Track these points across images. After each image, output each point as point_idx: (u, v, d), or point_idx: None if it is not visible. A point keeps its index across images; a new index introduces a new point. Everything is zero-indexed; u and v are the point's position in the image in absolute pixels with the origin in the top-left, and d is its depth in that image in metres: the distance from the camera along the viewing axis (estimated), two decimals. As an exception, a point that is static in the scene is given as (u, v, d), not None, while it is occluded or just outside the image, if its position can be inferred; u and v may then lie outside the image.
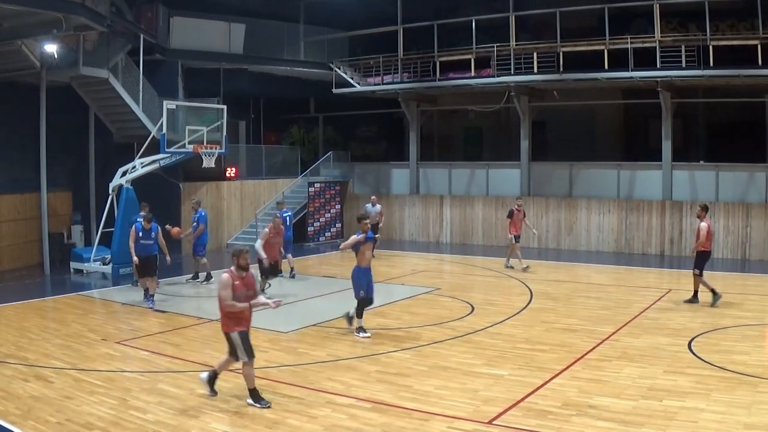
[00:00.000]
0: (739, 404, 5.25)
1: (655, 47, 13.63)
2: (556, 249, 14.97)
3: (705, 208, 9.07)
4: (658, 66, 13.61)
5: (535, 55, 14.63)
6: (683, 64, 13.39)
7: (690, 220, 13.66)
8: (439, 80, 15.73)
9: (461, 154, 18.75)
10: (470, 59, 15.19)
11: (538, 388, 5.68)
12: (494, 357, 6.61)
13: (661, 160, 14.56)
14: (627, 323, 8.05)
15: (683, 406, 5.20)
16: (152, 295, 8.86)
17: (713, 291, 8.62)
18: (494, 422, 4.90)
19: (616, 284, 10.78)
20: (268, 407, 5.19)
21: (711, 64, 13.11)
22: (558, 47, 14.35)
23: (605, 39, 14.19)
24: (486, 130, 19.03)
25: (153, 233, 9.03)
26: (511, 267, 11.96)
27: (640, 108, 15.93)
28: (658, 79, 13.73)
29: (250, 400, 5.21)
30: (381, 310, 8.80)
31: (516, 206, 12.25)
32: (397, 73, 16.41)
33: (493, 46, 15.07)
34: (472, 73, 15.16)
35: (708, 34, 13.42)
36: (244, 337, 5.18)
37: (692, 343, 7.12)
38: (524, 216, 12.39)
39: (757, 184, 13.89)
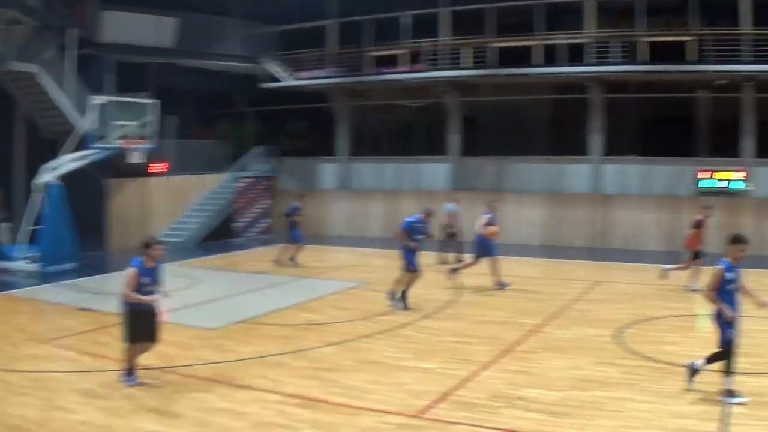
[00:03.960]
0: (668, 394, 6.78)
1: (587, 43, 17.68)
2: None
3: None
4: (589, 61, 17.66)
5: (466, 50, 18.58)
6: (614, 60, 17.40)
7: (618, 213, 17.88)
8: (368, 75, 19.55)
9: (392, 149, 22.30)
10: (402, 54, 19.15)
11: (467, 381, 7.08)
12: (422, 350, 8.23)
13: (590, 155, 18.71)
14: (555, 315, 10.26)
15: (612, 396, 6.69)
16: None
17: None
18: (423, 415, 6.15)
19: (544, 277, 13.58)
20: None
21: (643, 59, 17.16)
22: (490, 42, 18.18)
23: (537, 34, 18.14)
24: (417, 125, 22.78)
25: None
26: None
27: (570, 103, 19.86)
28: (589, 75, 17.79)
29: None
30: (308, 305, 10.86)
31: (704, 215, 13.74)
32: (331, 68, 20.24)
33: (425, 42, 18.95)
34: (403, 69, 19.14)
35: (641, 30, 17.37)
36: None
37: (621, 335, 9.15)
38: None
39: (686, 178, 18.13)
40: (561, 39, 18.25)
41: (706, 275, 12.02)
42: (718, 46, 16.96)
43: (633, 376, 7.46)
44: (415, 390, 6.82)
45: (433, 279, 12.77)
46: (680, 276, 12.40)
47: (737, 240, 6.72)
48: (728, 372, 6.66)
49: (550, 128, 21.32)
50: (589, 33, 18.25)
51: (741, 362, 7.72)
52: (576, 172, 19.20)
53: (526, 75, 18.63)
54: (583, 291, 12.23)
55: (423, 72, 19.48)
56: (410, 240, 10.68)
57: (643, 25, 18.03)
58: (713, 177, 18.02)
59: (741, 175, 17.73)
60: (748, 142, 17.83)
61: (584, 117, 19.06)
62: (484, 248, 12.28)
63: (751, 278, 11.99)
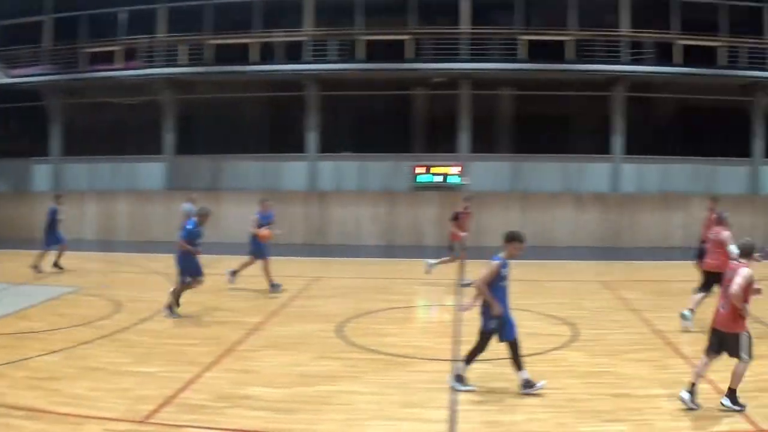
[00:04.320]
0: (392, 384, 7.18)
1: (305, 41, 18.33)
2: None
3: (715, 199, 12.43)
4: (307, 60, 18.29)
5: (183, 47, 18.86)
6: (332, 58, 18.12)
7: (335, 209, 18.51)
8: (83, 72, 19.55)
9: (106, 149, 21.83)
10: (117, 51, 19.33)
11: (190, 383, 7.14)
12: (143, 354, 8.23)
13: (307, 152, 19.25)
14: (275, 312, 10.49)
15: (338, 390, 6.96)
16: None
17: None
18: (149, 420, 6.15)
19: (262, 275, 13.54)
20: None
21: (360, 58, 18.18)
22: (207, 40, 18.42)
23: (255, 32, 18.50)
24: (133, 123, 22.08)
25: None
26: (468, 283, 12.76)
27: (287, 101, 20.43)
28: (306, 73, 18.41)
29: None
30: (25, 312, 10.62)
31: (463, 207, 13.39)
32: (46, 65, 19.94)
33: (141, 38, 19.19)
34: (119, 66, 19.40)
35: (359, 29, 18.35)
36: None
37: (342, 329, 9.49)
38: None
39: (401, 173, 19.46)
40: (279, 37, 18.75)
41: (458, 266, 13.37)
42: (436, 45, 18.51)
43: (357, 369, 7.75)
44: (140, 395, 6.82)
45: (151, 281, 12.94)
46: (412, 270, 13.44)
47: (516, 238, 6.98)
48: (469, 360, 7.08)
49: (268, 126, 21.73)
50: (307, 31, 18.80)
51: (464, 350, 8.08)
52: (293, 170, 19.58)
53: (243, 73, 19.19)
54: (302, 287, 12.73)
55: (139, 69, 19.68)
56: (194, 246, 10.51)
57: (362, 24, 19.03)
58: (430, 172, 19.36)
59: (457, 169, 19.36)
60: (464, 138, 19.58)
61: (302, 115, 19.60)
62: (256, 249, 12.41)
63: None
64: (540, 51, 19.00)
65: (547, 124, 20.85)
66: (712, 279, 9.72)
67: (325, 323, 9.90)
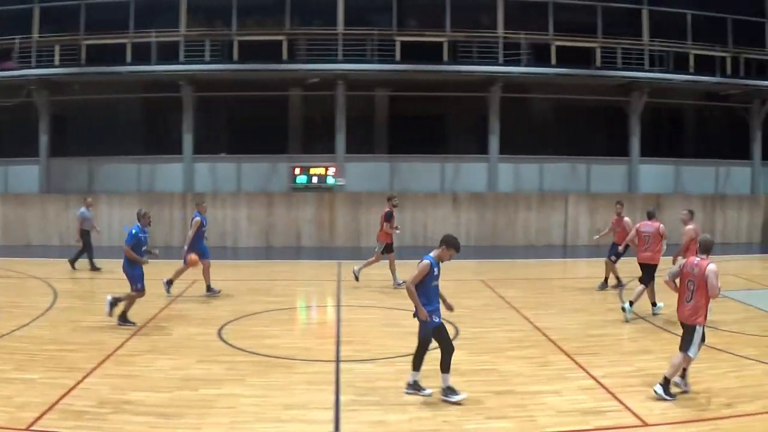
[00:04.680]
0: (276, 386, 8.53)
1: (180, 41, 21.25)
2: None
3: (621, 204, 15.68)
4: (182, 60, 21.26)
5: (57, 47, 21.26)
6: (207, 59, 21.18)
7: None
8: None
9: None
10: None
11: (72, 389, 8.21)
12: (23, 361, 9.36)
13: (183, 153, 22.24)
14: (155, 316, 12.24)
15: (220, 393, 8.23)
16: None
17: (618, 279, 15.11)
18: (32, 428, 7.06)
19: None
20: None
21: (236, 58, 21.28)
22: (81, 40, 20.88)
23: (130, 32, 21.30)
24: (6, 125, 24.49)
25: None
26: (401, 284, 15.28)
27: (163, 102, 23.46)
28: (181, 73, 21.39)
29: None
30: None
31: (392, 204, 16.02)
32: None
33: (15, 38, 21.35)
34: None
35: (234, 30, 21.46)
36: None
37: (222, 331, 11.22)
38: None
39: (278, 174, 22.81)
40: (154, 37, 21.78)
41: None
42: (311, 46, 21.92)
43: (240, 372, 9.33)
44: (22, 402, 7.87)
45: (28, 285, 14.61)
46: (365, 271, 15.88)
47: (453, 245, 8.54)
48: (417, 365, 8.45)
49: (144, 127, 24.94)
50: (182, 32, 21.86)
51: (346, 350, 10.44)
52: (169, 172, 22.86)
53: (118, 73, 22.12)
54: (181, 290, 14.97)
55: (13, 70, 21.92)
56: (139, 253, 12.06)
57: (238, 24, 22.39)
58: (307, 173, 23.06)
59: (332, 170, 23.01)
60: (340, 139, 23.12)
61: (178, 116, 22.83)
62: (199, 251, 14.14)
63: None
64: (416, 52, 22.80)
65: (424, 124, 24.71)
66: (651, 271, 13.26)
67: (206, 326, 11.78)
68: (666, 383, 8.54)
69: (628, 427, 8.30)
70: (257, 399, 8.38)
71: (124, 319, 12.04)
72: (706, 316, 8.71)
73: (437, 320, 8.53)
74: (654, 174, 26.23)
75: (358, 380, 9.24)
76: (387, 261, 15.88)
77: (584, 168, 25.71)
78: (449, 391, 8.43)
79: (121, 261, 12.30)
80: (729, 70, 25.87)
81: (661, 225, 13.28)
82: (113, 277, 15.94)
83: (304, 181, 23.09)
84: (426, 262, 8.52)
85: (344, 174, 23.20)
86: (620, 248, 15.74)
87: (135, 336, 11.18)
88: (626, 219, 15.92)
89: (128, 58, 21.71)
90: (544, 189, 25.07)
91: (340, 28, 22.84)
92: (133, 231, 12.40)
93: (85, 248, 17.82)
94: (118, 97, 23.45)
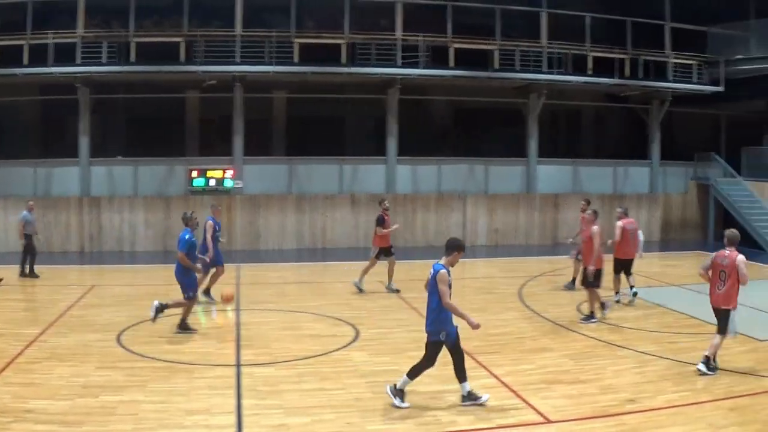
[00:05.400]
0: (177, 392, 9.94)
1: (78, 43, 25.09)
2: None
3: (588, 202, 19.28)
4: (78, 62, 25.09)
5: None
6: (104, 60, 25.17)
7: (109, 215, 25.95)
8: None
9: None
10: None
11: None
12: None
13: (79, 157, 26.11)
14: (53, 323, 14.07)
15: (122, 400, 9.53)
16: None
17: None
18: None
19: (41, 284, 18.91)
20: None
21: (133, 60, 25.26)
22: None
23: (27, 34, 24.95)
24: None
25: None
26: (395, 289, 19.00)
27: (59, 104, 27.22)
28: (78, 75, 25.21)
29: None
30: None
31: (384, 209, 19.44)
32: None
33: None
34: None
35: (132, 31, 25.62)
36: None
37: (121, 337, 13.12)
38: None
39: (176, 177, 27.31)
40: (50, 38, 25.48)
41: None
42: (209, 47, 26.39)
43: (141, 378, 10.69)
44: None
45: None
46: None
47: (461, 247, 10.37)
48: (462, 376, 10.28)
49: (40, 130, 28.99)
50: (79, 33, 25.89)
51: (246, 354, 12.49)
52: (65, 175, 26.90)
53: (14, 75, 25.50)
54: (79, 296, 17.50)
55: None
56: (192, 259, 14.33)
57: (135, 26, 26.63)
58: (204, 175, 27.35)
59: (230, 173, 27.53)
60: (238, 141, 27.82)
61: (74, 118, 26.79)
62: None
63: (264, 272, 20.15)
64: (314, 54, 27.43)
65: (322, 126, 30.11)
66: (627, 265, 17.65)
67: (105, 332, 13.69)
68: (707, 361, 11.96)
69: (532, 425, 9.94)
70: (159, 405, 9.84)
71: (184, 327, 14.24)
72: (737, 301, 12.11)
73: (454, 329, 10.29)
74: (552, 174, 31.80)
75: (260, 384, 11.07)
76: (373, 265, 19.19)
77: (482, 169, 30.97)
78: (471, 395, 10.33)
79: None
80: (628, 72, 31.12)
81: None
82: (41, 284, 19.23)
83: (202, 184, 27.68)
84: (443, 271, 10.20)
85: (242, 176, 27.95)
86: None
87: (34, 343, 13.00)
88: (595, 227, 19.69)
89: (25, 60, 25.27)
90: (442, 190, 30.18)
91: (238, 29, 27.19)
92: (186, 236, 14.09)
93: (26, 252, 20.40)
94: (14, 100, 27.19)
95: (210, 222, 17.26)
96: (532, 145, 31.11)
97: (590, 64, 30.53)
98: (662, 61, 31.80)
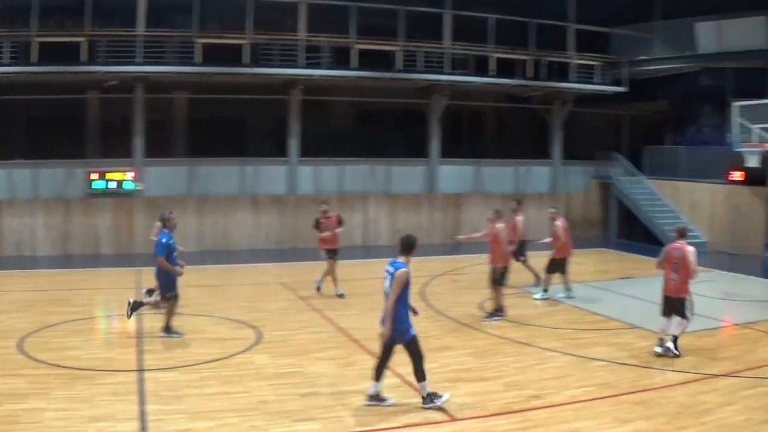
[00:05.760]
0: (80, 399, 10.78)
1: None
2: None
3: (519, 202, 22.34)
4: None
5: None
6: (6, 60, 27.56)
7: (8, 219, 28.47)
8: None
9: None
10: None
11: None
12: None
13: None
14: None
15: (25, 408, 10.29)
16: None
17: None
18: None
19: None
20: None
21: (34, 60, 27.68)
22: None
23: None
24: None
25: None
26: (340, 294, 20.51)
27: None
28: None
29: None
30: None
31: (322, 211, 21.27)
32: None
33: None
34: None
35: (33, 31, 28.10)
36: None
37: (23, 344, 14.01)
38: (340, 225, 21.35)
39: (75, 180, 29.84)
40: None
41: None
42: (111, 47, 29.09)
43: (43, 385, 11.37)
44: None
45: None
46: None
47: (415, 244, 11.58)
48: (420, 376, 11.48)
49: None
50: None
51: (149, 359, 13.61)
52: None
53: None
54: None
55: None
56: (171, 261, 15.70)
57: (36, 25, 29.09)
58: (104, 178, 30.34)
59: (131, 175, 30.40)
60: (138, 142, 30.79)
61: None
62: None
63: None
64: (217, 54, 30.33)
65: (224, 127, 33.43)
66: (564, 264, 20.62)
67: (5, 339, 14.51)
68: (675, 340, 14.83)
69: (438, 423, 10.95)
70: (63, 413, 10.47)
71: (168, 330, 15.78)
72: (689, 289, 15.16)
73: (413, 330, 11.41)
74: (454, 174, 35.84)
75: (163, 389, 11.91)
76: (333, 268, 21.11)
77: (384, 169, 34.73)
78: (433, 396, 11.46)
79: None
80: (530, 73, 35.14)
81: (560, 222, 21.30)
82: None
83: (102, 187, 30.51)
84: (403, 270, 11.22)
85: (143, 178, 30.94)
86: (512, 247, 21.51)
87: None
88: (519, 218, 22.40)
89: None
90: (344, 191, 33.77)
91: (141, 29, 29.97)
92: (163, 240, 15.57)
93: None
94: None
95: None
96: (434, 146, 34.99)
97: (493, 65, 34.34)
98: (565, 62, 36.01)
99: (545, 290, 21.07)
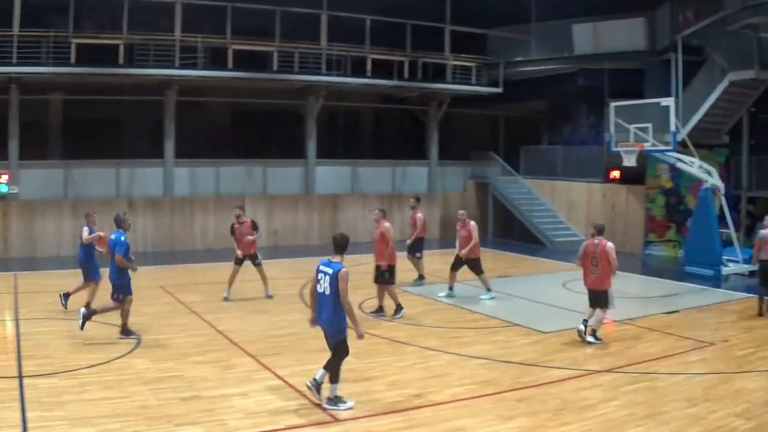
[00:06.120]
0: None
1: None
2: None
3: (418, 199, 25.56)
4: None
5: None
6: None
7: None
8: None
9: None
10: None
11: None
12: None
13: None
14: None
15: None
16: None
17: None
18: None
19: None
20: None
21: None
22: None
23: None
24: None
25: None
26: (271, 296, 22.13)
27: None
28: None
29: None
30: None
31: (235, 216, 22.58)
32: None
33: None
34: None
35: None
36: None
37: None
38: (255, 230, 22.70)
39: None
40: None
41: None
42: None
43: None
44: None
45: None
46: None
47: (348, 243, 12.86)
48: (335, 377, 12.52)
49: None
50: None
51: (28, 365, 14.21)
52: None
53: None
54: None
55: None
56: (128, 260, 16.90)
57: None
58: (-24, 180, 33.07)
59: (5, 178, 33.20)
60: (13, 145, 33.40)
61: None
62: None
63: (42, 280, 23.90)
64: (92, 55, 33.08)
65: (99, 128, 36.56)
66: (463, 263, 22.52)
67: None
68: (593, 333, 17.11)
69: (320, 424, 11.58)
70: None
71: (127, 332, 17.13)
72: (611, 281, 17.44)
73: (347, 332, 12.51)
74: (330, 175, 39.99)
75: (43, 396, 12.32)
76: (255, 270, 22.60)
77: (261, 170, 38.40)
78: (338, 400, 12.42)
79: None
80: (407, 74, 39.31)
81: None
82: None
83: None
84: (345, 270, 12.34)
85: (17, 181, 33.54)
86: (408, 242, 25.27)
87: None
88: (419, 215, 25.11)
89: None
90: (220, 192, 37.24)
91: (15, 29, 32.31)
92: (123, 238, 16.88)
93: None
94: None
95: (86, 229, 19.86)
96: (311, 146, 38.89)
97: (369, 66, 38.33)
98: (441, 64, 40.44)
99: (450, 288, 23.29)
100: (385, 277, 20.22)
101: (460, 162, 43.32)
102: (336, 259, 12.60)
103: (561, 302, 22.56)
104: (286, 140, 40.27)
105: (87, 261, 19.76)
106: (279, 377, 13.96)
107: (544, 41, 41.35)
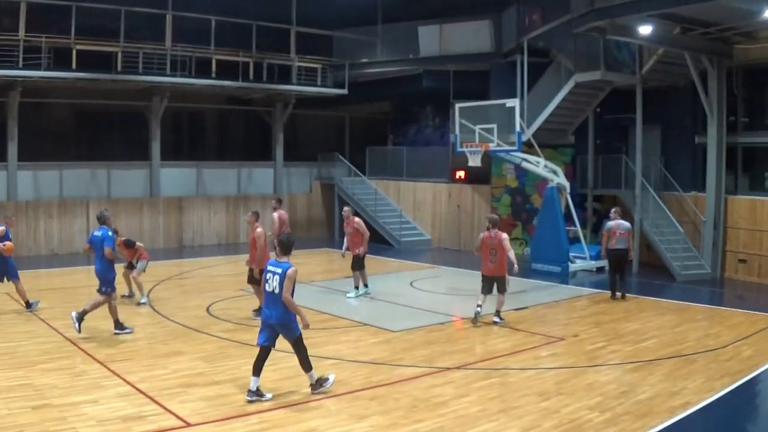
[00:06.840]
0: None
1: None
2: None
3: (279, 201, 26.76)
4: None
5: None
6: None
7: None
8: None
9: None
10: None
11: None
12: None
13: None
14: None
15: None
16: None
17: None
18: None
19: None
20: None
21: None
22: None
23: None
24: None
25: None
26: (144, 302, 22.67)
27: None
28: None
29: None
30: None
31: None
32: None
33: None
34: None
35: None
36: None
37: None
38: (130, 247, 23.48)
39: None
40: None
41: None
42: None
43: None
44: None
45: None
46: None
47: (293, 245, 14.17)
48: (308, 366, 14.00)
49: None
50: None
51: None
52: None
53: None
54: None
55: None
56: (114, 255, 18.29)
57: None
58: None
59: None
60: None
61: None
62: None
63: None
64: None
65: None
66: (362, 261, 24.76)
67: None
68: (497, 314, 20.76)
69: (172, 429, 11.94)
70: None
71: (121, 327, 18.64)
72: (507, 268, 20.64)
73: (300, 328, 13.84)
74: (175, 177, 42.68)
75: None
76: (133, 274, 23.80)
77: (105, 173, 40.76)
78: (321, 381, 14.20)
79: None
80: (252, 75, 42.23)
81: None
82: None
83: None
84: (294, 269, 13.56)
85: None
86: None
87: None
88: (275, 214, 26.19)
89: None
90: (64, 196, 39.14)
91: None
92: (110, 233, 18.37)
93: None
94: None
95: (2, 228, 21.25)
96: (155, 148, 41.36)
97: (215, 67, 40.91)
98: (287, 65, 43.56)
99: (356, 287, 25.43)
100: (257, 278, 20.86)
101: (307, 163, 46.61)
102: (283, 259, 13.85)
103: (410, 301, 24.53)
104: (131, 142, 42.41)
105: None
106: (129, 383, 14.52)
107: (390, 43, 44.72)
